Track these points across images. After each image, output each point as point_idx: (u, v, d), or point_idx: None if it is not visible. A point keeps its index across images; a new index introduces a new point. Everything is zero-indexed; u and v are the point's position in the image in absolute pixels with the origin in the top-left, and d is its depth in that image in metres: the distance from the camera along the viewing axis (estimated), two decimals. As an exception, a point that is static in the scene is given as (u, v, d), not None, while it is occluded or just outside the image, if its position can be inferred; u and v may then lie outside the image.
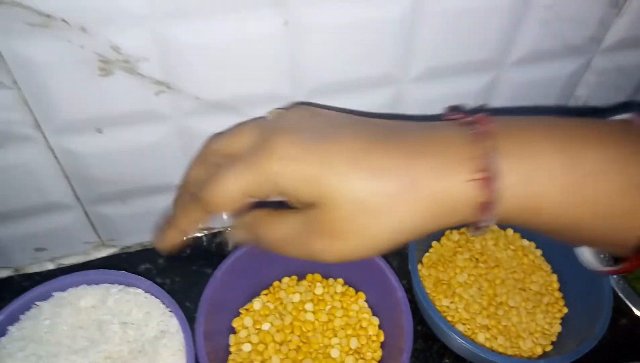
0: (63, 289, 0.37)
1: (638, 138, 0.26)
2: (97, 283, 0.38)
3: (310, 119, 0.29)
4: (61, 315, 0.36)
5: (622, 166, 0.25)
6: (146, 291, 0.37)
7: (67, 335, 0.35)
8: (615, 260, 0.29)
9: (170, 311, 0.36)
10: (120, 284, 0.38)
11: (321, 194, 0.26)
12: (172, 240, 0.31)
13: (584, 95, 0.47)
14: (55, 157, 0.35)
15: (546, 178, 0.25)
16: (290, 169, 0.26)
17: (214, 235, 0.47)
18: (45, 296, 0.37)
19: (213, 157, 0.32)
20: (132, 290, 0.38)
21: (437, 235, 0.45)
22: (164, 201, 0.42)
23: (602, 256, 0.32)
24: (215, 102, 0.35)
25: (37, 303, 0.37)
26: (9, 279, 0.43)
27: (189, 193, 0.32)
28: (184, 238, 0.31)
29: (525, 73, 0.42)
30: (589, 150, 0.25)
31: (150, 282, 0.37)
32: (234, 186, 0.27)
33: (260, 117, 0.35)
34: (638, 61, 0.45)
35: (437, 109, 0.41)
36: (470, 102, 0.42)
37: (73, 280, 0.37)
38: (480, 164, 0.25)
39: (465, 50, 0.38)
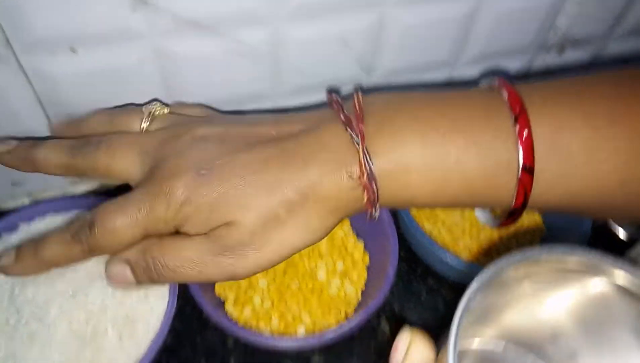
0: (29, 219, 0.36)
1: (487, 104, 0.29)
2: (66, 210, 0.37)
3: (198, 144, 0.30)
4: None
5: (473, 136, 0.28)
6: None
7: None
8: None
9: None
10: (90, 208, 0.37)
11: (224, 220, 0.28)
12: (32, 269, 0.30)
13: (564, 26, 0.47)
14: (28, 80, 0.34)
15: (411, 163, 0.28)
16: (193, 206, 0.28)
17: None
18: (13, 228, 0.36)
19: (94, 131, 0.33)
20: None
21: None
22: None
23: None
24: (193, 21, 0.34)
25: (3, 235, 0.36)
26: (-15, 216, 0.42)
27: (68, 228, 0.30)
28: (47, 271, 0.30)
29: (507, 2, 0.41)
30: (442, 118, 0.28)
31: None
32: (130, 227, 0.28)
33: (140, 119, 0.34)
34: (617, -11, 0.46)
35: (416, 38, 0.41)
36: (451, 33, 0.42)
37: (39, 209, 0.36)
38: (359, 167, 0.28)
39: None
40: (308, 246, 0.29)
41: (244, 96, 0.41)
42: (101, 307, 0.32)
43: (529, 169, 0.27)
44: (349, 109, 0.30)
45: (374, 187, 0.28)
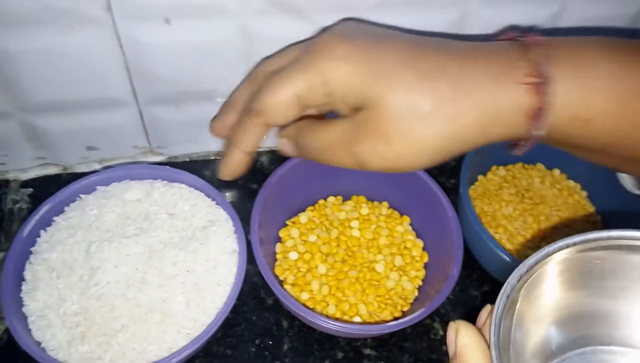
0: (106, 183, 0.37)
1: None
2: (140, 179, 0.38)
3: (359, 27, 0.29)
4: (107, 206, 0.36)
5: None
6: (190, 186, 0.38)
7: (116, 224, 0.35)
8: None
9: (217, 203, 0.36)
10: (163, 179, 0.38)
11: (369, 94, 0.26)
12: (236, 162, 0.31)
13: None
14: (120, 45, 0.35)
15: (598, 87, 0.24)
16: (341, 67, 0.26)
17: (259, 153, 0.47)
18: (89, 190, 0.37)
19: (262, 75, 0.32)
20: (176, 184, 0.38)
21: (483, 168, 0.45)
22: (216, 112, 0.42)
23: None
24: (285, 3, 0.34)
25: (81, 196, 0.37)
26: (56, 176, 0.43)
27: (242, 111, 0.32)
28: (247, 159, 0.32)
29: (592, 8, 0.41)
30: None
31: (195, 176, 0.37)
32: (287, 89, 0.28)
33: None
34: None
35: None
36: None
37: (116, 174, 0.38)
38: (532, 69, 0.24)
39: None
40: (438, 160, 0.26)
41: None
42: (172, 273, 0.32)
43: None
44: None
45: (545, 91, 0.24)
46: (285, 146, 0.31)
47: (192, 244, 0.34)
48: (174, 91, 0.39)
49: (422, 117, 0.25)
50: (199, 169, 0.45)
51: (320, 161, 0.30)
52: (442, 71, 0.25)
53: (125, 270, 0.32)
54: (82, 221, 0.35)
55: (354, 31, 0.28)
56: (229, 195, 0.44)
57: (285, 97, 0.28)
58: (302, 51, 0.29)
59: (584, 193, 0.45)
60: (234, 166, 0.32)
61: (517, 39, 0.26)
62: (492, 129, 0.25)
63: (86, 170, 0.43)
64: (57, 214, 0.36)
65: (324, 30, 0.31)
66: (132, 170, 0.38)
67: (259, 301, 0.39)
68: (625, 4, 0.42)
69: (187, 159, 0.46)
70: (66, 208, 0.36)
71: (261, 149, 0.47)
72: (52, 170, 0.43)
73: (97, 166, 0.44)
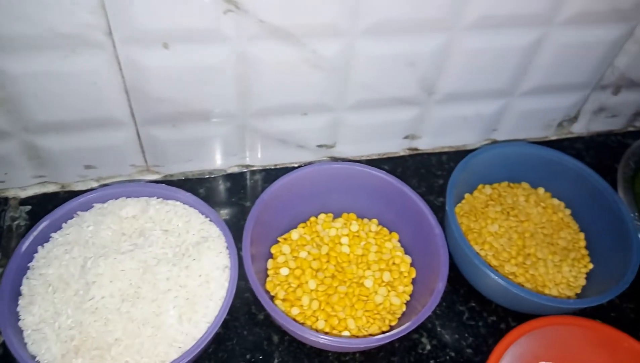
0: (103, 201, 0.39)
1: None
2: (136, 196, 0.39)
3: None
4: (104, 222, 0.37)
5: None
6: (185, 203, 0.39)
7: (112, 240, 0.36)
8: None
9: (210, 220, 0.38)
10: (159, 197, 0.39)
11: None
12: None
13: (623, 65, 0.48)
14: (120, 68, 0.36)
15: None
16: None
17: (252, 172, 0.48)
18: (86, 207, 0.38)
19: None
20: (171, 202, 0.39)
21: (470, 187, 0.47)
22: (211, 132, 0.43)
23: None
24: (278, 28, 0.36)
25: (78, 213, 0.38)
26: (54, 194, 0.44)
27: None
28: None
29: (571, 35, 0.43)
30: None
31: (189, 193, 0.39)
32: None
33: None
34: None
35: (479, 64, 0.43)
36: (514, 61, 0.44)
37: (113, 191, 0.39)
38: None
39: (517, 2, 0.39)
40: None
41: (310, 105, 0.43)
42: (166, 288, 0.33)
43: None
44: None
45: None
46: None
47: (185, 259, 0.35)
48: (171, 112, 0.41)
49: None
50: (194, 187, 0.47)
51: None
52: None
53: (120, 284, 0.33)
54: (78, 237, 0.36)
55: None
56: (222, 212, 0.45)
57: None
58: None
59: (568, 211, 0.46)
60: None
61: None
62: None
63: (84, 188, 0.45)
64: (55, 231, 0.37)
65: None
66: (129, 188, 0.39)
67: (250, 316, 0.40)
68: (605, 31, 0.44)
69: (183, 178, 0.47)
70: (64, 225, 0.37)
71: (255, 168, 0.48)
72: (51, 188, 0.45)
73: (94, 184, 0.45)
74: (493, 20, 0.40)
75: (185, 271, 0.34)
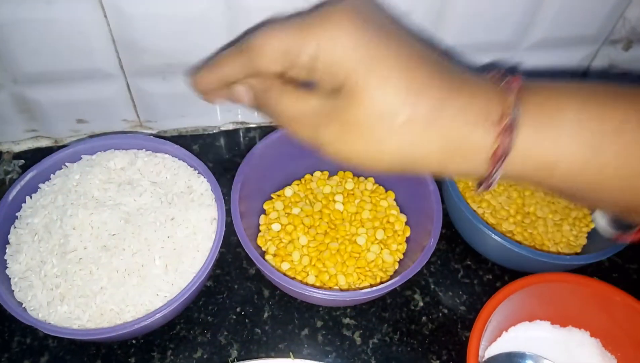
0: (92, 152, 0.38)
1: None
2: (125, 148, 0.38)
3: (376, 9, 0.28)
4: (91, 173, 0.37)
5: None
6: (174, 156, 0.38)
7: (98, 188, 0.36)
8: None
9: (199, 173, 0.37)
10: (147, 149, 0.39)
11: (355, 79, 0.25)
12: (208, 84, 0.30)
13: (634, 18, 0.45)
14: (105, 16, 0.35)
15: (565, 135, 0.25)
16: (341, 37, 0.25)
17: (248, 129, 0.47)
18: (75, 158, 0.38)
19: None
20: (160, 154, 0.38)
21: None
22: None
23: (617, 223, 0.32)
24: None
25: (66, 164, 0.38)
26: (48, 149, 0.44)
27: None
28: (219, 89, 0.30)
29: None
30: (613, 110, 0.25)
31: (178, 146, 0.38)
32: (282, 37, 0.27)
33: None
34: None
35: (481, 15, 0.41)
36: (518, 11, 0.41)
37: (102, 143, 0.38)
38: (504, 114, 0.25)
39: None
40: (392, 171, 0.26)
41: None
42: (152, 238, 0.33)
43: None
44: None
45: (509, 136, 0.24)
46: (242, 93, 0.29)
47: (172, 210, 0.35)
48: (160, 63, 0.40)
49: (393, 129, 0.25)
50: (188, 143, 0.46)
51: (278, 124, 0.29)
52: (429, 89, 0.25)
53: (100, 234, 0.33)
54: (63, 186, 0.36)
55: (369, 11, 0.27)
56: (215, 169, 0.44)
57: (277, 43, 0.27)
58: (309, 13, 0.28)
59: (571, 170, 0.45)
60: (203, 84, 0.30)
61: (499, 79, 0.26)
62: (453, 160, 0.26)
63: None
64: (43, 182, 0.37)
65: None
66: (117, 139, 0.38)
67: (241, 271, 0.39)
68: None
69: (176, 134, 0.46)
70: (52, 176, 0.37)
71: (251, 125, 0.47)
72: (44, 143, 0.44)
73: (87, 139, 0.45)
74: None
75: (172, 222, 0.34)
